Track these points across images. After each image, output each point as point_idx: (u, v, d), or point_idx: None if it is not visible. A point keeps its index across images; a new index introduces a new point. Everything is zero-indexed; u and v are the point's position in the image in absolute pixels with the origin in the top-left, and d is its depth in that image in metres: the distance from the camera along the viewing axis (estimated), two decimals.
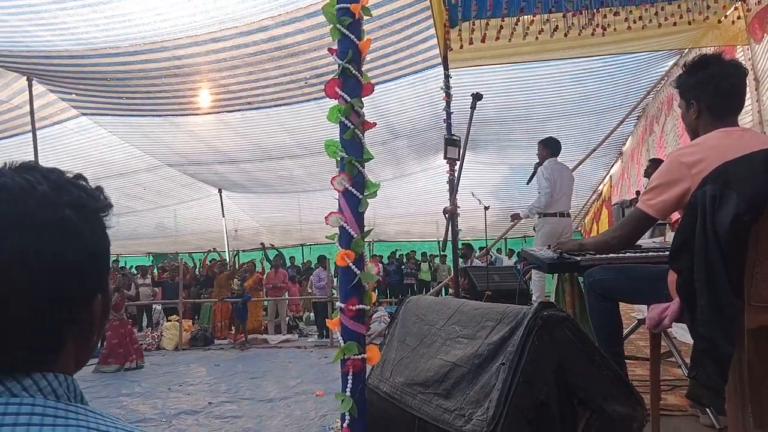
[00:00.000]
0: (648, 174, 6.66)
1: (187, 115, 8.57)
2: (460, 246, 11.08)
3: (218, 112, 8.46)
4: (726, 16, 5.78)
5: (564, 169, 6.04)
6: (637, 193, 7.19)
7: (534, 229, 6.14)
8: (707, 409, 2.27)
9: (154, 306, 12.97)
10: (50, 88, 7.68)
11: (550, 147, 6.02)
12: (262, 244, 14.58)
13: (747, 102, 6.04)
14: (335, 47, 1.65)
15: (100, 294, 0.67)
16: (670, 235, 3.22)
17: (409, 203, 14.45)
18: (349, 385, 1.57)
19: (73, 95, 7.84)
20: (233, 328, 11.38)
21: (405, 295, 15.31)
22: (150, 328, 11.96)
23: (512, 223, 6.40)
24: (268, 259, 13.84)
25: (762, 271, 1.69)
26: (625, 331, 2.98)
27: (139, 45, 6.36)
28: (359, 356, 1.58)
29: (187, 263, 14.32)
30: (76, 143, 9.53)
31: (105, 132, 9.22)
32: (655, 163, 6.82)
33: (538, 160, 6.21)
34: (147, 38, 6.25)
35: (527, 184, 6.57)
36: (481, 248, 11.84)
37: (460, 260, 10.16)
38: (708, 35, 6.14)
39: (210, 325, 11.25)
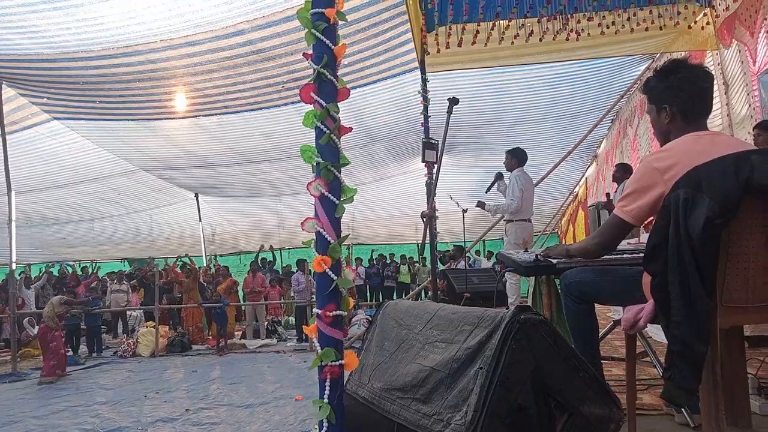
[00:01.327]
0: (616, 179, 6.83)
1: (162, 119, 8.46)
2: (450, 248, 11.14)
3: (194, 116, 8.37)
4: (696, 22, 5.91)
5: (530, 179, 6.44)
6: (607, 195, 7.31)
7: (506, 234, 6.39)
8: (682, 408, 2.31)
9: (129, 312, 12.76)
10: (21, 91, 7.53)
11: (518, 157, 6.34)
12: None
13: (717, 105, 6.18)
14: (311, 52, 1.64)
15: None
16: (644, 237, 3.27)
17: (388, 206, 14.46)
18: (327, 392, 1.56)
19: (45, 99, 7.69)
20: (209, 332, 11.24)
21: (386, 297, 15.34)
22: (125, 335, 11.75)
23: (480, 209, 6.57)
24: (260, 262, 13.78)
25: (733, 273, 1.73)
26: (601, 332, 3.02)
27: (113, 49, 6.26)
28: (337, 363, 1.57)
29: (169, 265, 14.16)
30: (49, 148, 9.35)
31: (78, 136, 9.06)
32: (622, 168, 6.99)
33: (498, 171, 6.70)
34: (120, 42, 6.16)
35: (486, 192, 6.89)
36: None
37: (441, 263, 10.23)
38: (679, 40, 6.28)
39: (185, 331, 11.09)
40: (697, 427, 2.21)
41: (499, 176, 6.73)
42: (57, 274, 14.58)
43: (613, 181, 7.14)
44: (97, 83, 7.11)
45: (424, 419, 1.69)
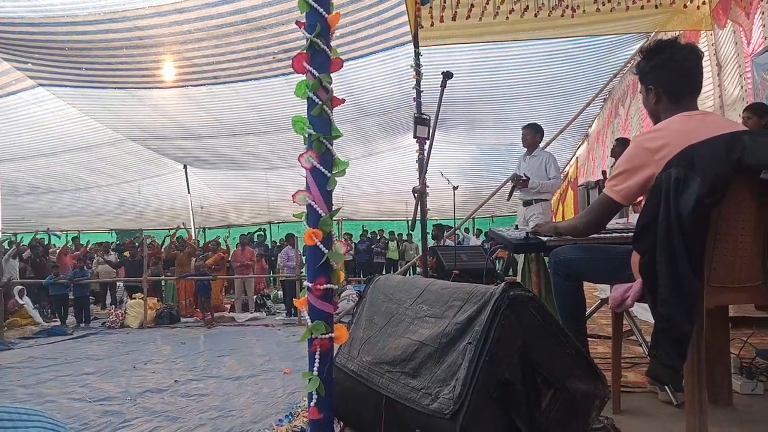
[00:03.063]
0: (615, 154, 6.79)
1: (150, 88, 8.31)
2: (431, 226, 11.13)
3: (183, 86, 8.23)
4: (691, 1, 5.87)
5: None
6: (603, 173, 7.31)
7: (541, 211, 5.68)
8: (665, 386, 2.35)
9: (117, 283, 12.73)
10: (4, 56, 7.34)
11: (540, 133, 5.82)
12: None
13: (709, 86, 6.15)
14: (303, 20, 1.60)
15: None
16: (633, 217, 3.29)
17: (378, 182, 14.42)
18: (317, 365, 1.56)
19: (29, 65, 7.51)
20: (198, 306, 11.26)
21: (374, 273, 15.42)
22: (113, 306, 11.74)
23: (514, 183, 5.74)
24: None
25: (720, 253, 1.74)
26: (589, 310, 3.05)
27: (99, 14, 6.11)
28: (326, 336, 1.57)
29: (155, 240, 14.06)
30: (33, 115, 9.18)
31: (63, 104, 8.89)
32: (621, 143, 6.95)
33: (519, 173, 5.75)
34: (107, 7, 6.01)
35: (507, 201, 6.23)
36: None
37: (432, 241, 10.26)
38: (674, 20, 6.24)
39: (175, 303, 11.10)
40: (680, 405, 2.25)
41: (518, 179, 5.76)
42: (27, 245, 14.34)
43: (611, 156, 7.10)
44: (83, 49, 6.95)
45: (413, 393, 1.70)
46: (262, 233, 16.26)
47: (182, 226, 14.51)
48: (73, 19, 6.20)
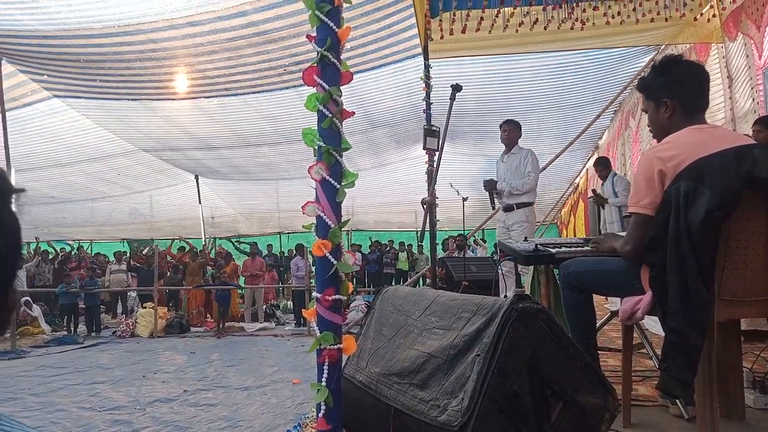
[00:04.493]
0: (600, 174, 6.82)
1: (163, 99, 8.41)
2: (455, 235, 11.10)
3: (195, 98, 8.32)
4: (702, 14, 5.87)
5: None
6: (593, 191, 7.30)
7: (525, 218, 5.28)
8: (677, 400, 2.32)
9: (128, 292, 12.81)
10: (21, 68, 7.47)
11: (521, 130, 5.50)
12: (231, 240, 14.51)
13: (720, 99, 6.10)
14: (314, 34, 1.63)
15: (12, 285, 0.62)
16: None
17: (387, 193, 14.43)
18: (325, 375, 1.57)
19: (45, 76, 7.63)
20: (209, 315, 11.30)
21: (384, 284, 15.39)
22: (124, 315, 11.81)
23: (486, 189, 5.48)
24: (238, 249, 13.80)
25: (731, 265, 1.73)
26: (599, 323, 3.02)
27: (114, 27, 6.20)
28: (335, 346, 1.58)
29: (170, 248, 14.20)
30: (48, 126, 9.30)
31: (78, 115, 9.00)
32: (602, 163, 7.03)
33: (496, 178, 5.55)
34: (122, 20, 6.10)
35: (492, 209, 5.95)
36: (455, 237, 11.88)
37: (442, 251, 10.24)
38: (684, 32, 6.23)
39: (185, 313, 11.15)
40: (691, 419, 2.22)
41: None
42: (51, 251, 14.54)
43: (600, 177, 7.17)
44: (97, 62, 7.05)
45: (421, 404, 1.70)
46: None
47: (180, 239, 14.60)
48: (89, 32, 6.30)
